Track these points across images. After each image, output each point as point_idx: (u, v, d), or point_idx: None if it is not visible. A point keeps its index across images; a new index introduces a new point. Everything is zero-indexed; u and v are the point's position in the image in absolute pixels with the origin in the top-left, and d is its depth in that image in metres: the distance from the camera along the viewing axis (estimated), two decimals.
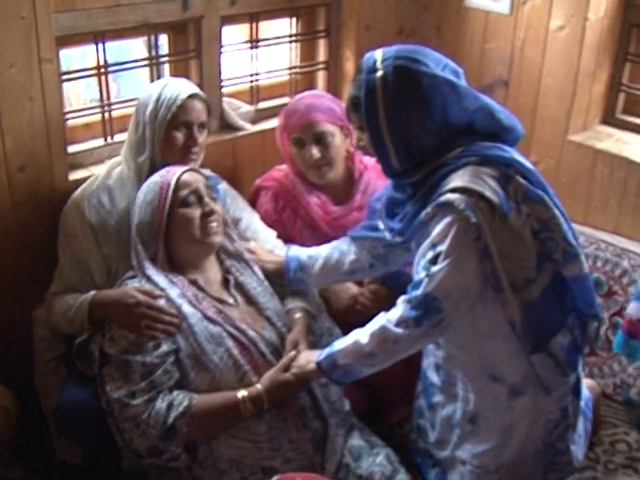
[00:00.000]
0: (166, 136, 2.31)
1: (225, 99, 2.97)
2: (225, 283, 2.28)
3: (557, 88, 3.00)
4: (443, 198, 1.88)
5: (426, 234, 1.95)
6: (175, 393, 2.04)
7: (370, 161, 2.71)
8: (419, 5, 3.26)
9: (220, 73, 2.88)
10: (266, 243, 2.48)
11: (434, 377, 2.25)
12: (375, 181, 2.61)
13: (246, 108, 3.03)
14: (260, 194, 2.72)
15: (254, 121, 3.05)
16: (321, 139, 2.57)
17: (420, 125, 1.95)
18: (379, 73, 1.94)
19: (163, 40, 2.85)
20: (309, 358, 2.08)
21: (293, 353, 2.13)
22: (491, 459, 2.15)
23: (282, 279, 2.37)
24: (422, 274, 1.91)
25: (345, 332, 2.31)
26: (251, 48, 3.01)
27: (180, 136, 2.33)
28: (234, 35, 3.29)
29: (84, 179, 2.44)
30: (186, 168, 2.24)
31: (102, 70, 2.63)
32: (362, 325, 2.07)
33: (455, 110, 1.96)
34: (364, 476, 2.16)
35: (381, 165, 2.06)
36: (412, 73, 1.92)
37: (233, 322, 2.15)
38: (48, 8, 2.29)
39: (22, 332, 2.44)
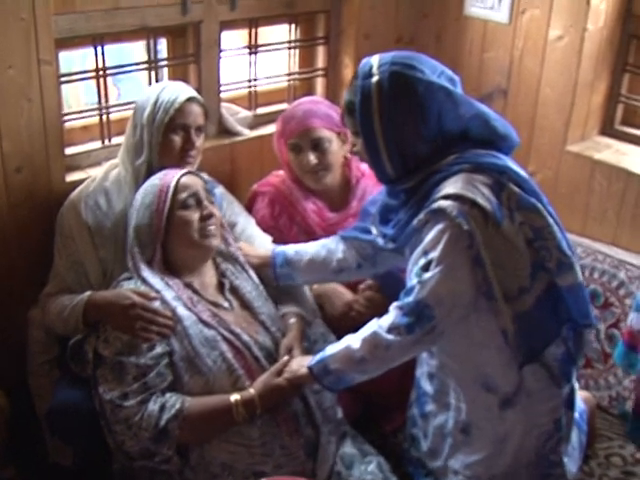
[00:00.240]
0: (164, 139, 2.32)
1: (223, 104, 2.97)
2: (220, 287, 2.28)
3: (556, 98, 3.00)
4: (436, 205, 1.88)
5: (418, 241, 1.95)
6: (168, 395, 2.03)
7: (367, 168, 2.70)
8: (418, 13, 3.27)
9: (219, 78, 2.89)
10: (261, 248, 2.47)
11: (427, 386, 2.24)
12: (372, 188, 2.61)
13: (244, 113, 3.03)
14: (257, 199, 2.72)
15: (252, 127, 3.05)
16: (318, 145, 2.57)
17: (415, 132, 1.95)
18: (375, 79, 1.94)
19: (162, 44, 2.85)
20: (302, 363, 2.08)
21: (286, 358, 2.12)
22: (483, 469, 2.14)
23: (269, 276, 2.37)
24: (414, 281, 1.91)
25: (339, 338, 2.30)
26: (250, 54, 3.01)
27: (177, 139, 2.34)
28: (233, 40, 3.29)
29: (81, 181, 2.44)
30: (185, 171, 2.24)
31: (101, 73, 2.63)
32: (355, 332, 2.07)
33: (450, 117, 1.96)
34: None
35: (374, 171, 2.07)
36: (408, 79, 1.93)
37: (228, 326, 2.14)
38: (47, 10, 2.29)
39: (16, 333, 2.43)
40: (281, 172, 2.75)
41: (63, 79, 2.54)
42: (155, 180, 2.21)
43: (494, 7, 3.08)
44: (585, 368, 2.86)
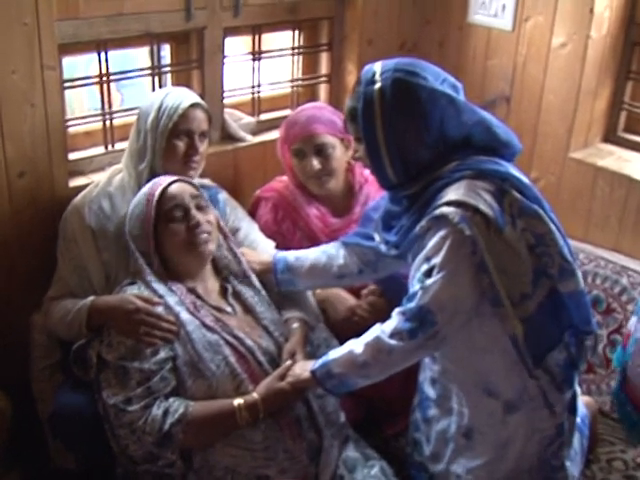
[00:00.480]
0: (167, 145, 2.32)
1: (227, 110, 2.98)
2: (223, 292, 2.28)
3: (559, 105, 3.00)
4: (438, 211, 1.88)
5: (421, 247, 1.95)
6: (171, 400, 2.03)
7: (370, 174, 2.70)
8: (422, 20, 3.28)
9: (222, 84, 2.90)
10: (264, 253, 2.48)
11: (430, 391, 2.24)
12: (375, 194, 2.60)
13: (247, 119, 3.04)
14: (260, 205, 2.73)
15: (255, 132, 3.06)
16: (322, 150, 2.58)
17: (417, 138, 1.95)
18: (377, 85, 1.94)
19: (166, 50, 2.86)
20: (305, 367, 2.08)
21: (289, 362, 2.13)
22: (486, 474, 2.14)
23: (270, 281, 2.37)
24: (417, 287, 1.91)
25: (342, 343, 2.31)
26: (253, 60, 3.02)
27: (181, 145, 2.34)
28: (237, 47, 3.30)
29: (84, 186, 2.45)
30: (172, 179, 2.23)
31: (104, 79, 2.64)
32: (358, 337, 2.08)
33: (452, 124, 1.96)
34: None
35: (376, 177, 2.07)
36: (410, 86, 1.93)
37: (231, 330, 2.15)
38: (51, 15, 2.30)
39: (18, 337, 2.44)
40: (284, 178, 2.75)
41: (67, 84, 2.55)
42: (145, 189, 2.22)
43: (497, 14, 3.09)
44: (587, 373, 2.86)
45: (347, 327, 2.51)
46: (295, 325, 2.31)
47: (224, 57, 2.86)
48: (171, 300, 2.14)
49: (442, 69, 2.05)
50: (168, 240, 2.17)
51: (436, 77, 1.98)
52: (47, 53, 2.32)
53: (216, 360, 2.08)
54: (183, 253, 2.19)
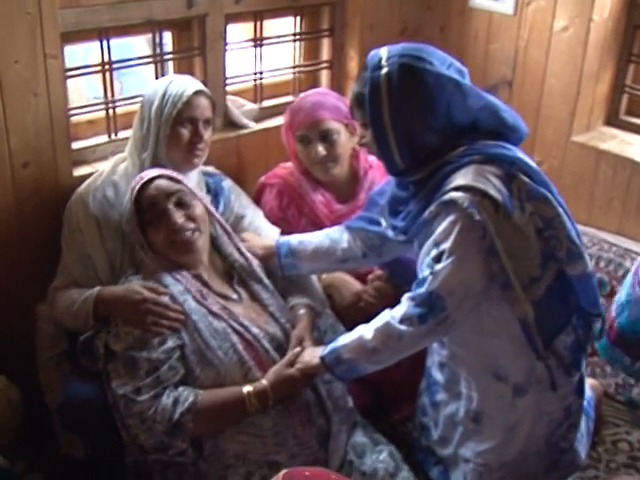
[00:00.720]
0: (171, 132, 2.32)
1: (229, 97, 2.97)
2: (229, 278, 2.28)
3: (561, 89, 3.01)
4: (447, 196, 1.89)
5: (429, 232, 1.95)
6: (181, 389, 2.04)
7: (375, 160, 2.71)
8: (423, 5, 3.27)
9: (224, 71, 2.89)
10: (268, 239, 2.47)
11: (438, 375, 2.25)
12: (380, 180, 2.59)
13: (250, 106, 3.03)
14: (265, 191, 2.73)
15: (258, 119, 3.05)
16: (327, 137, 2.58)
17: (424, 123, 1.95)
18: (384, 70, 1.94)
19: (167, 38, 2.85)
20: (314, 354, 2.09)
21: (298, 349, 2.14)
22: (494, 457, 2.15)
23: (274, 265, 2.37)
24: (426, 272, 1.92)
25: (349, 329, 2.31)
26: (255, 46, 3.01)
27: (185, 132, 2.34)
28: (238, 34, 3.29)
29: (88, 175, 2.44)
30: (149, 177, 2.20)
31: (107, 67, 2.63)
32: (365, 322, 2.08)
33: (459, 109, 1.96)
34: (368, 473, 2.16)
35: (383, 163, 2.07)
36: (417, 71, 1.93)
37: (237, 318, 2.16)
38: (53, 4, 2.29)
39: (24, 327, 2.44)
40: (288, 164, 2.75)
41: (69, 73, 2.53)
42: (131, 184, 2.23)
43: None
44: (592, 356, 2.85)
45: (353, 312, 2.52)
46: (302, 311, 2.31)
47: (226, 44, 2.85)
48: (176, 289, 2.15)
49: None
50: (152, 240, 2.19)
51: (442, 62, 1.97)
52: (50, 42, 2.32)
53: (224, 348, 2.09)
54: (171, 251, 2.19)
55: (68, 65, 2.50)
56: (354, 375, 2.06)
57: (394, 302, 2.22)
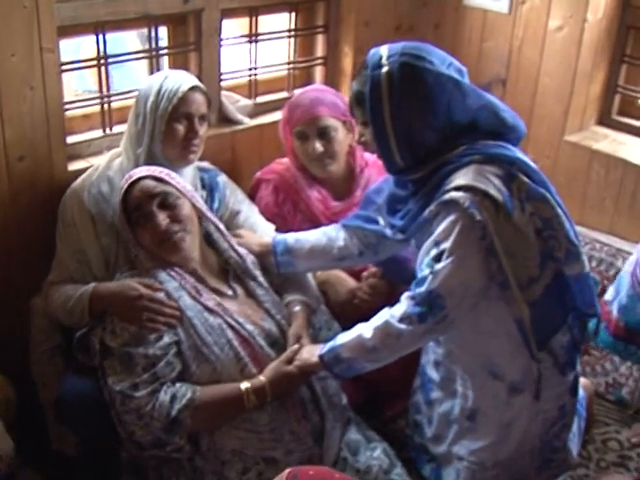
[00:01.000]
0: (167, 128, 2.30)
1: (223, 93, 2.96)
2: (224, 275, 2.28)
3: (554, 88, 3.02)
4: (447, 196, 1.89)
5: (428, 232, 1.96)
6: (178, 385, 2.04)
7: (371, 157, 2.71)
8: (418, 2, 3.27)
9: (219, 66, 2.88)
10: (264, 236, 2.47)
11: (433, 373, 2.26)
12: (376, 177, 2.60)
13: (244, 102, 3.03)
14: (261, 187, 2.73)
15: (252, 115, 3.04)
16: (324, 133, 2.58)
17: (424, 122, 1.95)
18: (384, 69, 1.94)
19: (162, 32, 2.84)
20: (312, 352, 2.09)
21: (296, 346, 2.14)
22: (488, 455, 2.16)
23: (270, 263, 2.37)
24: (426, 271, 1.92)
25: (343, 326, 2.33)
26: (250, 42, 3.01)
27: (181, 128, 2.33)
28: (231, 29, 3.28)
29: (83, 170, 2.43)
30: (135, 178, 2.19)
31: (102, 61, 2.62)
32: (360, 319, 2.09)
33: (459, 108, 1.97)
34: (362, 470, 2.17)
35: (383, 161, 2.07)
36: (417, 70, 1.93)
37: (232, 315, 2.15)
38: None
39: (17, 322, 2.44)
40: (285, 160, 2.75)
41: (64, 67, 2.52)
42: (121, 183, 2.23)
43: None
44: (582, 355, 2.89)
45: (348, 309, 2.53)
46: (297, 308, 2.31)
47: (221, 39, 2.84)
48: (170, 286, 2.14)
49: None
50: (141, 240, 2.18)
51: (442, 61, 1.98)
52: (46, 35, 2.30)
53: (220, 344, 2.09)
54: (159, 251, 2.17)
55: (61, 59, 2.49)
56: (352, 373, 2.07)
57: (388, 299, 2.24)
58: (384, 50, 1.99)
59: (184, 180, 2.32)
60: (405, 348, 2.02)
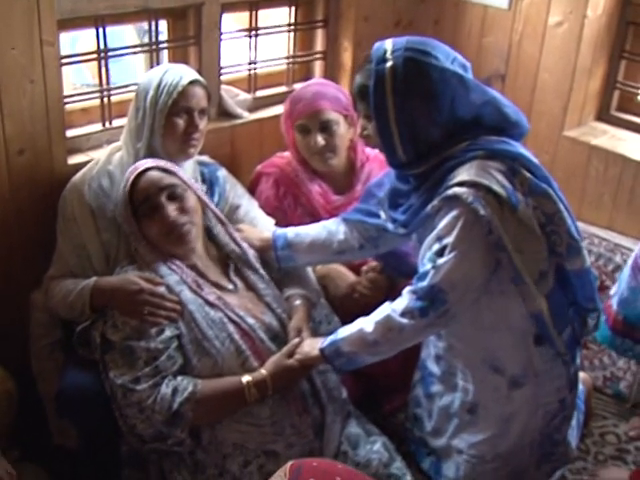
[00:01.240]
0: (167, 122, 2.30)
1: (223, 87, 2.96)
2: (225, 268, 2.28)
3: (554, 84, 3.02)
4: (450, 191, 1.90)
5: (430, 227, 1.96)
6: (179, 378, 2.04)
7: (372, 152, 2.72)
8: None
9: (219, 60, 2.87)
10: (264, 230, 2.48)
11: (434, 367, 2.26)
12: (377, 172, 2.60)
13: (244, 96, 3.02)
14: (261, 180, 2.72)
15: (251, 109, 3.04)
16: (326, 127, 2.57)
17: (427, 117, 1.96)
18: (389, 64, 1.94)
19: (162, 26, 2.83)
20: (313, 345, 2.10)
21: (297, 340, 2.14)
22: (488, 449, 2.18)
23: (270, 258, 2.37)
24: (428, 266, 1.93)
25: (342, 320, 2.33)
26: (250, 36, 3.00)
27: (181, 122, 2.32)
28: (229, 24, 3.27)
29: (83, 164, 2.42)
30: (142, 169, 2.19)
31: (102, 55, 2.61)
32: (360, 313, 2.10)
33: (463, 104, 1.97)
34: (362, 463, 2.17)
35: (386, 155, 2.07)
36: (422, 65, 1.93)
37: (232, 308, 2.15)
38: None
39: (17, 316, 2.43)
40: (286, 153, 2.75)
41: (64, 61, 2.51)
42: (125, 175, 2.22)
43: None
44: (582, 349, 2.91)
45: (347, 303, 2.53)
46: (297, 302, 2.32)
47: (221, 34, 2.83)
48: (172, 280, 2.14)
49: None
50: (146, 232, 2.18)
51: (446, 56, 1.98)
52: (46, 29, 2.29)
53: (221, 337, 2.09)
54: (164, 243, 2.18)
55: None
56: (353, 367, 2.08)
57: (388, 293, 2.25)
58: (388, 44, 1.99)
59: None
60: (406, 342, 2.02)
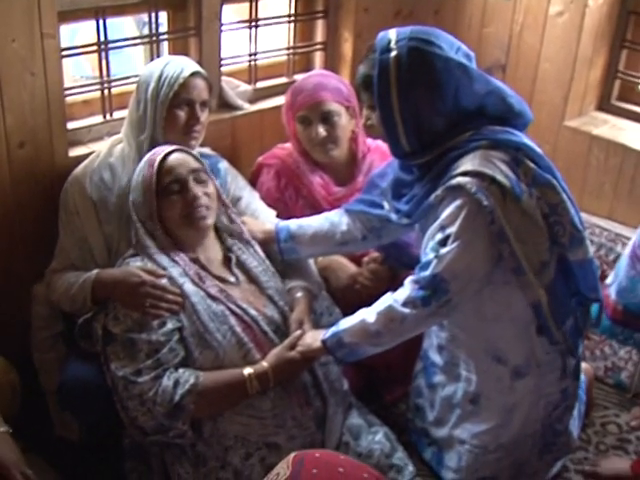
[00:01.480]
0: (168, 114, 2.29)
1: (223, 78, 2.95)
2: (227, 261, 2.28)
3: (555, 74, 3.02)
4: (454, 181, 1.89)
5: (434, 216, 1.96)
6: (181, 371, 2.04)
7: (373, 143, 2.71)
8: None
9: (220, 52, 2.86)
10: (266, 222, 2.48)
11: (436, 357, 2.27)
12: (378, 163, 2.60)
13: (244, 87, 3.02)
14: (262, 172, 2.72)
15: (252, 100, 3.03)
16: (328, 118, 2.57)
17: (431, 107, 1.95)
18: (393, 53, 1.93)
19: (162, 17, 2.82)
20: (315, 337, 2.10)
21: (299, 332, 2.14)
22: (491, 439, 2.18)
23: (274, 250, 2.37)
24: (431, 255, 1.93)
25: (344, 311, 2.33)
26: (250, 27, 2.99)
27: (182, 114, 2.32)
28: (229, 15, 3.26)
29: (83, 156, 2.42)
30: (172, 149, 2.20)
31: (103, 47, 2.60)
32: (361, 305, 2.10)
33: (466, 93, 1.96)
34: (363, 454, 2.19)
35: (389, 145, 2.07)
36: (426, 55, 1.93)
37: (235, 301, 2.15)
38: None
39: (19, 309, 2.43)
40: (287, 145, 2.74)
41: (65, 53, 2.50)
42: (147, 157, 2.21)
43: None
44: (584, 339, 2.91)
45: (349, 295, 2.53)
46: (299, 294, 2.31)
47: (221, 25, 2.83)
48: (174, 272, 2.14)
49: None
50: (166, 212, 2.16)
51: (451, 46, 1.98)
52: (47, 21, 2.28)
53: (222, 330, 2.09)
54: (181, 226, 2.17)
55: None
56: (355, 358, 2.08)
57: (389, 284, 2.25)
58: (392, 34, 1.98)
59: None
60: (408, 332, 2.03)
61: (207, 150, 2.57)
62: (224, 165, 2.56)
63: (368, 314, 2.01)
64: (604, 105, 3.16)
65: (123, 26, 4.25)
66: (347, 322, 2.05)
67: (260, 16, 3.02)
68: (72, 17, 2.49)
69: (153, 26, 2.71)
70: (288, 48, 3.15)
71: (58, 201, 2.35)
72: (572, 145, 3.04)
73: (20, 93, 2.31)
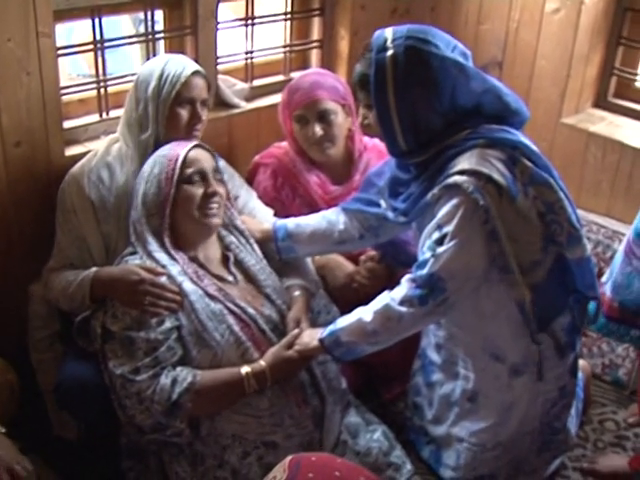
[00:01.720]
0: (170, 113, 2.28)
1: (220, 76, 2.94)
2: (225, 260, 2.28)
3: (551, 71, 3.02)
4: (451, 180, 1.90)
5: (430, 215, 1.96)
6: (179, 369, 2.04)
7: (370, 142, 2.71)
8: None
9: (216, 50, 2.85)
10: (263, 221, 2.47)
11: (434, 356, 2.27)
12: (375, 161, 2.60)
13: (240, 85, 3.01)
14: (259, 171, 2.72)
15: (248, 99, 3.02)
16: (324, 117, 2.57)
17: (428, 106, 1.95)
18: (389, 52, 1.93)
19: (158, 16, 2.82)
20: (312, 336, 2.10)
21: (296, 331, 2.14)
22: (489, 437, 2.19)
23: (271, 249, 2.37)
24: (427, 254, 1.93)
25: (341, 310, 2.33)
26: (246, 25, 2.99)
27: (184, 113, 2.31)
28: (225, 13, 3.26)
29: (80, 155, 2.42)
30: (194, 144, 2.21)
31: (98, 45, 2.60)
32: (359, 303, 2.10)
33: (463, 92, 1.96)
34: (362, 452, 2.20)
35: (386, 144, 2.07)
36: (422, 54, 1.93)
37: (233, 299, 2.15)
38: None
39: (16, 308, 2.43)
40: (283, 144, 2.74)
41: (61, 52, 2.49)
42: (164, 151, 2.19)
43: None
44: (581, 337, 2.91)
45: (346, 293, 2.54)
46: (297, 293, 2.32)
47: (218, 23, 2.82)
48: (174, 270, 2.13)
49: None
50: (182, 203, 2.14)
51: (447, 44, 1.98)
52: (42, 20, 2.27)
53: (220, 329, 2.09)
54: (192, 220, 2.16)
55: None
56: (352, 356, 2.08)
57: (387, 283, 2.25)
58: (389, 33, 1.98)
59: None
60: (405, 331, 2.03)
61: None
62: (222, 163, 2.54)
63: (365, 313, 2.01)
64: (601, 102, 3.16)
65: (120, 23, 4.25)
66: (344, 321, 2.05)
67: (256, 14, 3.01)
68: (68, 16, 2.48)
69: (149, 24, 2.70)
70: (284, 46, 3.14)
71: (55, 200, 2.34)
72: (569, 142, 3.04)
73: (16, 92, 2.30)
